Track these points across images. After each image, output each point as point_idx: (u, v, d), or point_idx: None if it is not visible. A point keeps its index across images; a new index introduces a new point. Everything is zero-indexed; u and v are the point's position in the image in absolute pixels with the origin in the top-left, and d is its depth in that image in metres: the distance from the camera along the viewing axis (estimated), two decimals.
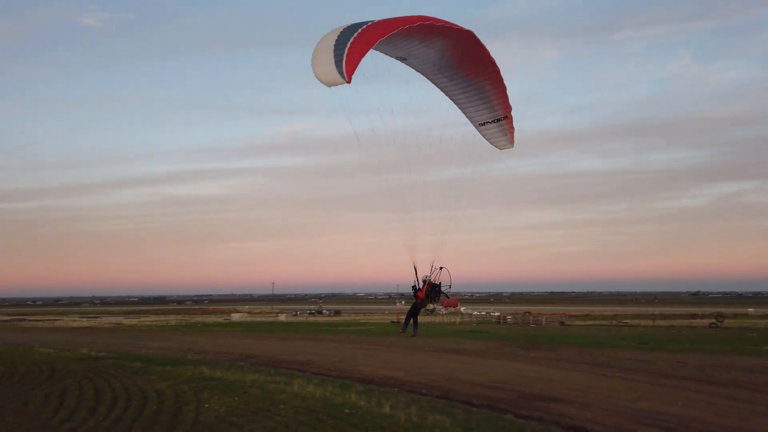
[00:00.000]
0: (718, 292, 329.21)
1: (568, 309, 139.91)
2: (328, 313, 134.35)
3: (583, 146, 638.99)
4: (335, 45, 12.84)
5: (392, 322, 64.55)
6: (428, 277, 19.56)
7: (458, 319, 77.32)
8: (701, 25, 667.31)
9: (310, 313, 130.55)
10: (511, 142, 18.13)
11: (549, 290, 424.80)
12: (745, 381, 16.91)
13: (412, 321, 24.40)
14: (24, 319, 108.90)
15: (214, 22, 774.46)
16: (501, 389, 15.37)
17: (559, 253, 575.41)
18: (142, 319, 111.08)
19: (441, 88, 17.68)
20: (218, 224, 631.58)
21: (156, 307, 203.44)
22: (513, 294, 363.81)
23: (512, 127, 17.91)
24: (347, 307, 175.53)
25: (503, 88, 17.15)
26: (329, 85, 12.70)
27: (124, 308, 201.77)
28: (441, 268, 19.32)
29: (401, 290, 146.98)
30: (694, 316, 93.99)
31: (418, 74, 17.33)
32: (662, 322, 71.19)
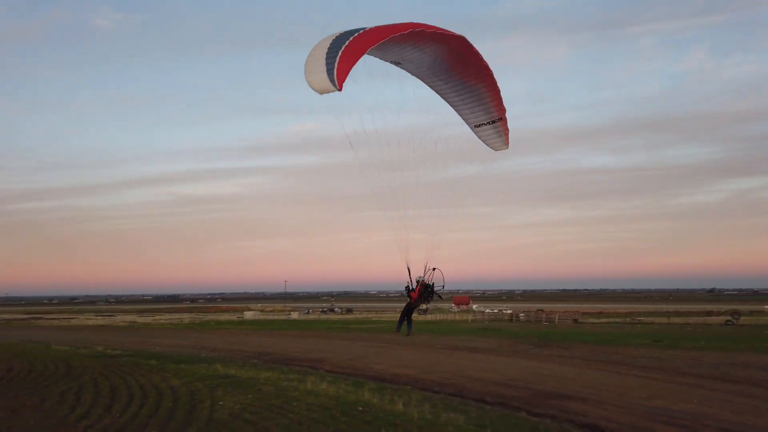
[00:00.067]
0: (734, 289, 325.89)
1: (581, 306, 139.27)
2: (340, 311, 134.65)
3: (596, 143, 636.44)
4: (327, 53, 13.26)
5: None
6: (421, 278, 19.63)
7: (470, 317, 77.29)
8: (715, 20, 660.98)
9: (322, 311, 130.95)
10: (506, 143, 18.30)
11: (562, 288, 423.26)
12: (761, 379, 16.78)
13: (406, 321, 24.55)
14: (41, 318, 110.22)
15: (226, 23, 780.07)
16: (514, 387, 15.35)
17: (572, 251, 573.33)
18: (156, 317, 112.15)
19: (436, 91, 17.99)
20: (231, 223, 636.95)
21: (170, 306, 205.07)
22: (525, 291, 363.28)
23: (507, 129, 18.10)
24: (359, 305, 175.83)
25: (497, 90, 17.47)
26: (321, 93, 13.07)
27: (138, 306, 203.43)
28: (434, 269, 19.37)
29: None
30: (709, 313, 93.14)
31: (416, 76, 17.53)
32: (677, 320, 70.66)
